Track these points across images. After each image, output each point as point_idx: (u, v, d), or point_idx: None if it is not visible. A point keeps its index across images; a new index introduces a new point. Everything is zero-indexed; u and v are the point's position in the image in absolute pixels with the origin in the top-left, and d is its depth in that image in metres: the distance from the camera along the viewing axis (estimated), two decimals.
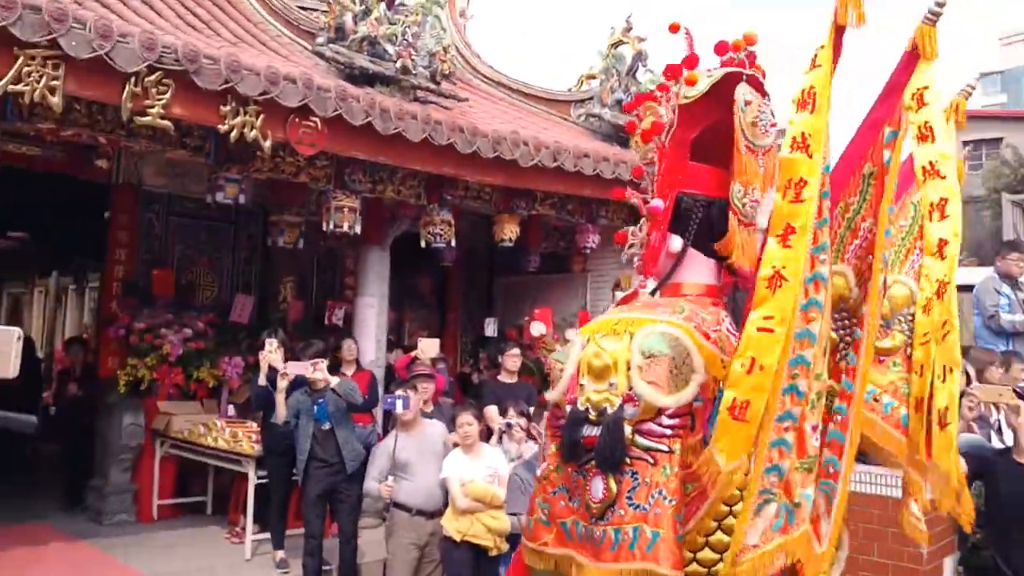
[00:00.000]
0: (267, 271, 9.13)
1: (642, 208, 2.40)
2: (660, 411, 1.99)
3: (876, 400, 2.30)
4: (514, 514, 4.79)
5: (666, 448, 1.97)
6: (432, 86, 7.35)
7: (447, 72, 7.54)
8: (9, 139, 6.46)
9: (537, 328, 8.65)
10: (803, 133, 1.81)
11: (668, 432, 1.98)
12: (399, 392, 5.34)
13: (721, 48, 2.24)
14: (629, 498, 1.95)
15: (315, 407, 5.88)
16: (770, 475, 1.82)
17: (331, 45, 7.04)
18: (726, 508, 2.07)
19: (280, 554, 6.57)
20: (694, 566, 2.03)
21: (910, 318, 2.30)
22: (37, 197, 9.23)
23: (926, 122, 1.95)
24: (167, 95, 5.33)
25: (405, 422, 5.36)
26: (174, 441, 7.59)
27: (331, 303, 9.11)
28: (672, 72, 2.29)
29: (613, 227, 9.11)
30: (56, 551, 6.75)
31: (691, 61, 2.27)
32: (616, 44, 9.10)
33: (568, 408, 2.14)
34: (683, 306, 2.17)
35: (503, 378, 7.51)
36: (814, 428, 1.87)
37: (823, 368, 1.89)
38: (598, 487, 2.00)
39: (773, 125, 2.21)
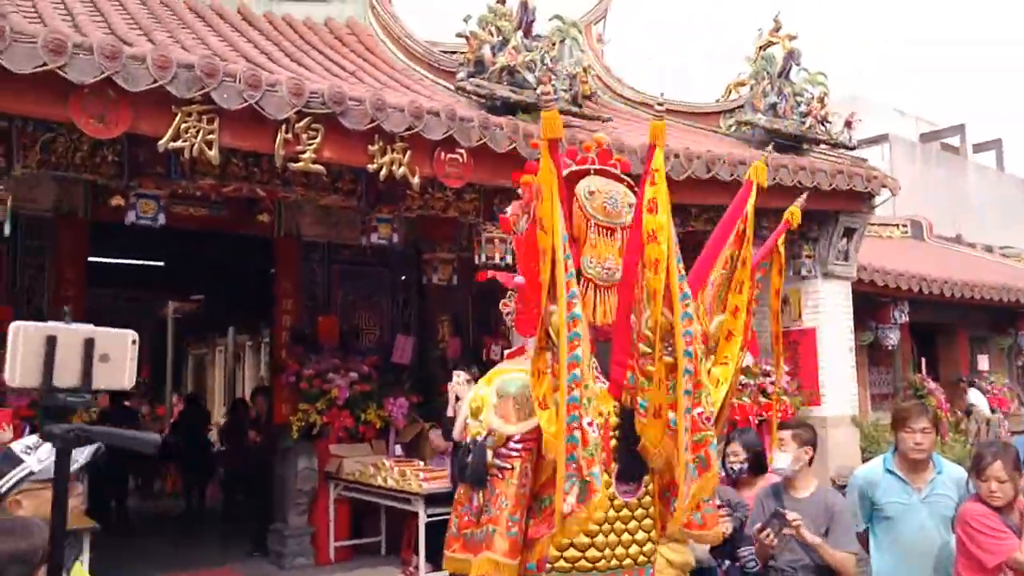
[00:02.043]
0: (424, 311, 9.20)
1: (508, 283, 2.97)
2: (508, 438, 2.58)
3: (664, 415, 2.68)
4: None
5: (510, 466, 2.57)
6: (574, 109, 7.20)
7: (588, 93, 7.39)
8: (177, 201, 6.82)
9: None
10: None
11: (513, 454, 2.58)
12: None
13: (571, 153, 2.77)
14: (486, 506, 2.58)
15: None
16: (571, 463, 2.26)
17: (471, 79, 7.04)
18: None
19: None
20: (561, 562, 2.62)
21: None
22: (208, 258, 9.79)
23: (654, 198, 2.37)
24: (317, 139, 5.44)
25: None
26: (346, 483, 7.69)
27: (487, 339, 9.04)
28: (515, 179, 2.72)
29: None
30: None
31: (529, 169, 2.62)
32: (765, 46, 8.65)
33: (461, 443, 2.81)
34: None
35: None
36: (589, 424, 2.29)
37: (589, 379, 2.35)
38: (475, 499, 2.61)
39: (631, 205, 2.64)
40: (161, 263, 10.74)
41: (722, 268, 2.90)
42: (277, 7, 8.46)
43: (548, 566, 2.63)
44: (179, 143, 4.93)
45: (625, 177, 2.84)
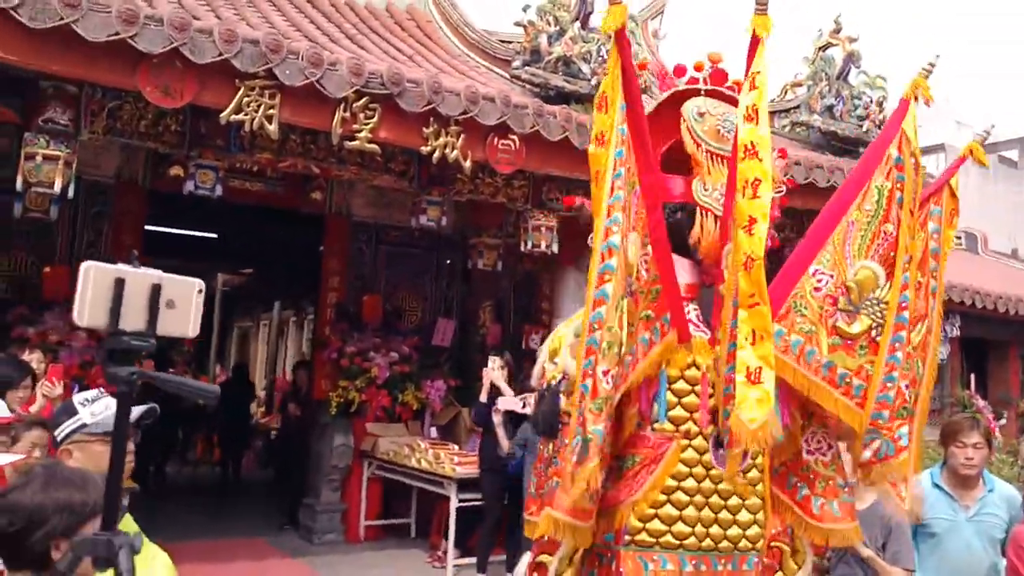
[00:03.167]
0: (467, 296, 9.26)
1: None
2: None
3: (848, 383, 2.40)
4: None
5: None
6: None
7: (644, 87, 7.33)
8: (234, 175, 6.97)
9: None
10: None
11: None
12: None
13: (679, 71, 2.58)
14: (554, 456, 2.33)
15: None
16: (578, 416, 2.09)
17: (527, 68, 7.07)
18: (674, 483, 2.32)
19: None
20: (643, 535, 2.29)
21: (876, 303, 2.43)
22: (260, 233, 9.96)
23: (754, 104, 2.14)
24: (374, 119, 5.51)
25: None
26: (380, 462, 7.78)
27: (528, 327, 9.07)
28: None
29: None
30: (270, 567, 7.07)
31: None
32: (824, 47, 8.53)
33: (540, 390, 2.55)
34: None
35: None
36: (604, 373, 2.09)
37: (614, 322, 2.11)
38: (546, 452, 2.40)
39: None
40: (214, 235, 10.95)
41: (867, 204, 2.48)
42: None
43: (627, 538, 2.31)
44: (240, 116, 5.04)
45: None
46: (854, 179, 2.54)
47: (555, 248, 6.85)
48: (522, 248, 6.86)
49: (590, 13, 7.13)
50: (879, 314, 2.40)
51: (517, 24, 7.28)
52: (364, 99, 5.43)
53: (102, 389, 2.53)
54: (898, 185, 2.45)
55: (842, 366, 2.36)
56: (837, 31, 8.48)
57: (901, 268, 2.42)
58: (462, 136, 5.80)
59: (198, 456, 13.16)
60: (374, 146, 5.62)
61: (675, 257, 2.43)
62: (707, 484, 2.32)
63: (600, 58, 7.07)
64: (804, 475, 2.45)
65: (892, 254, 2.44)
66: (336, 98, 5.30)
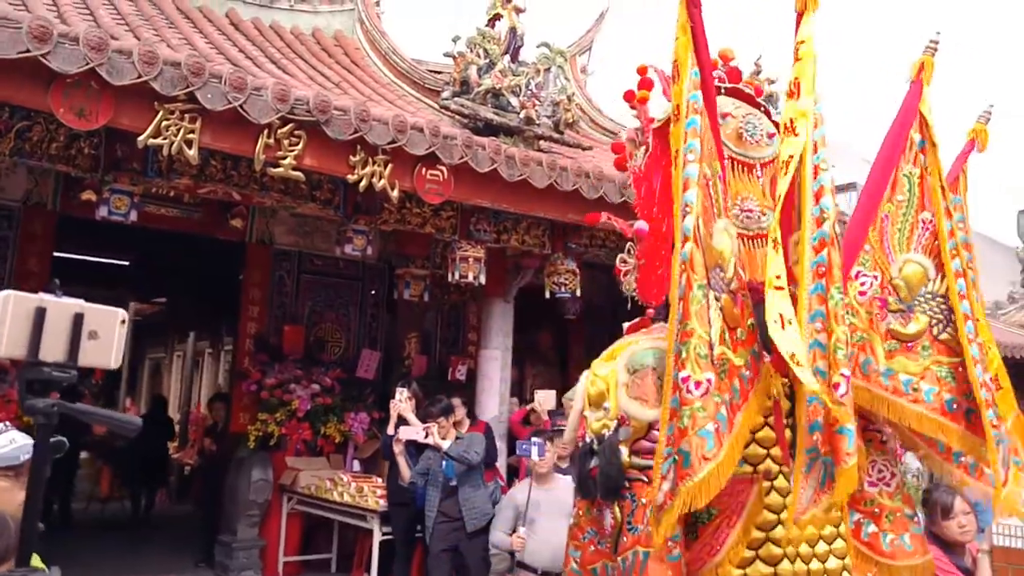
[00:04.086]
0: (392, 327, 9.15)
1: (627, 232, 2.39)
2: (651, 426, 1.94)
3: (916, 389, 2.17)
4: None
5: None
6: (555, 135, 7.27)
7: (571, 121, 7.45)
8: (150, 201, 6.75)
9: None
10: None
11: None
12: (535, 439, 5.09)
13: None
14: (629, 522, 1.92)
15: (443, 462, 5.79)
16: (669, 435, 1.79)
17: (456, 99, 7.09)
18: (761, 534, 1.96)
19: None
20: None
21: (930, 298, 2.25)
22: (176, 260, 9.66)
23: (796, 78, 1.99)
24: (299, 146, 5.41)
25: (539, 475, 5.07)
26: (301, 496, 7.56)
27: (455, 359, 9.01)
28: (627, 97, 2.34)
29: None
30: None
31: (644, 84, 2.34)
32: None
33: (580, 444, 2.11)
34: None
35: None
36: (684, 380, 1.79)
37: (691, 319, 1.82)
38: (607, 520, 1.98)
39: (772, 135, 2.24)
40: (127, 262, 10.57)
41: (898, 195, 2.31)
42: (265, 14, 8.45)
43: None
44: (159, 140, 4.88)
45: (762, 103, 2.35)
46: (879, 171, 2.36)
47: (483, 279, 6.83)
48: (449, 279, 6.82)
49: (520, 47, 7.21)
50: (937, 309, 2.19)
51: (447, 55, 7.30)
52: (289, 125, 5.32)
53: (7, 423, 2.40)
54: (927, 169, 2.30)
55: (904, 372, 2.13)
56: (757, 72, 8.75)
57: (949, 255, 2.22)
58: (389, 165, 5.74)
59: (107, 492, 12.55)
60: (298, 174, 5.51)
61: None
62: (795, 531, 1.99)
63: (529, 92, 7.15)
64: (868, 510, 2.17)
65: (936, 242, 2.24)
66: (260, 124, 5.18)
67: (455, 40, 7.20)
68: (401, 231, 6.79)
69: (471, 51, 7.07)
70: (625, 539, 1.92)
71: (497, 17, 7.48)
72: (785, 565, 1.95)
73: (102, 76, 4.59)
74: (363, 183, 5.67)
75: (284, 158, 5.38)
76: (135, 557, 8.50)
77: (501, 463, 7.09)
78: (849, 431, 1.80)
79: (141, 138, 4.88)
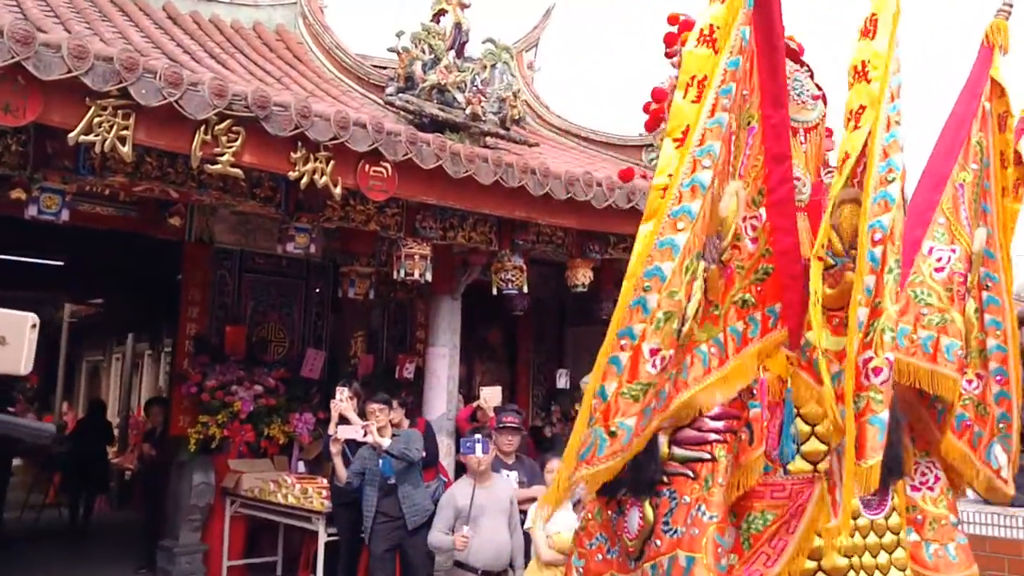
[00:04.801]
0: (338, 326, 9.03)
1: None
2: (700, 413, 1.70)
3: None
4: None
5: (708, 456, 1.67)
6: (502, 131, 7.23)
7: (517, 117, 7.43)
8: (83, 199, 6.53)
9: None
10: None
11: (711, 436, 1.68)
12: (478, 436, 5.06)
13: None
14: (666, 523, 1.65)
15: (380, 461, 5.73)
16: (596, 398, 1.57)
17: (400, 95, 7.01)
18: (823, 542, 1.73)
19: None
20: None
21: None
22: (112, 260, 9.38)
23: (873, 15, 1.73)
24: (237, 142, 5.27)
25: (478, 472, 5.04)
26: (244, 499, 7.42)
27: (402, 357, 8.93)
28: (667, 40, 2.14)
29: None
30: None
31: (685, 26, 2.10)
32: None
33: None
34: None
35: None
36: (653, 352, 1.57)
37: (680, 287, 1.60)
38: (634, 520, 1.71)
39: (816, 97, 2.03)
40: (60, 263, 10.23)
41: (970, 162, 2.12)
42: (204, 8, 8.25)
43: None
44: (91, 137, 4.71)
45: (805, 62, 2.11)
46: (949, 138, 2.16)
47: (429, 277, 6.76)
48: (395, 277, 6.74)
49: (465, 43, 7.16)
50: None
51: (391, 50, 7.21)
52: (227, 121, 5.19)
53: None
54: (998, 138, 2.15)
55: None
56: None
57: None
58: (332, 162, 5.64)
59: (48, 499, 12.16)
60: (237, 171, 5.38)
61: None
62: (858, 538, 1.77)
63: (475, 88, 7.10)
64: (910, 517, 1.97)
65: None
66: (196, 120, 5.04)
67: (399, 35, 7.11)
68: (345, 228, 6.69)
69: (416, 46, 6.99)
70: (659, 543, 1.66)
71: (442, 12, 7.41)
72: None
73: (29, 71, 4.41)
74: (305, 180, 5.56)
75: (222, 155, 5.25)
76: (73, 566, 8.28)
77: (450, 461, 7.04)
78: (881, 422, 1.59)
79: (72, 135, 4.70)
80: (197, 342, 7.83)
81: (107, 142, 4.77)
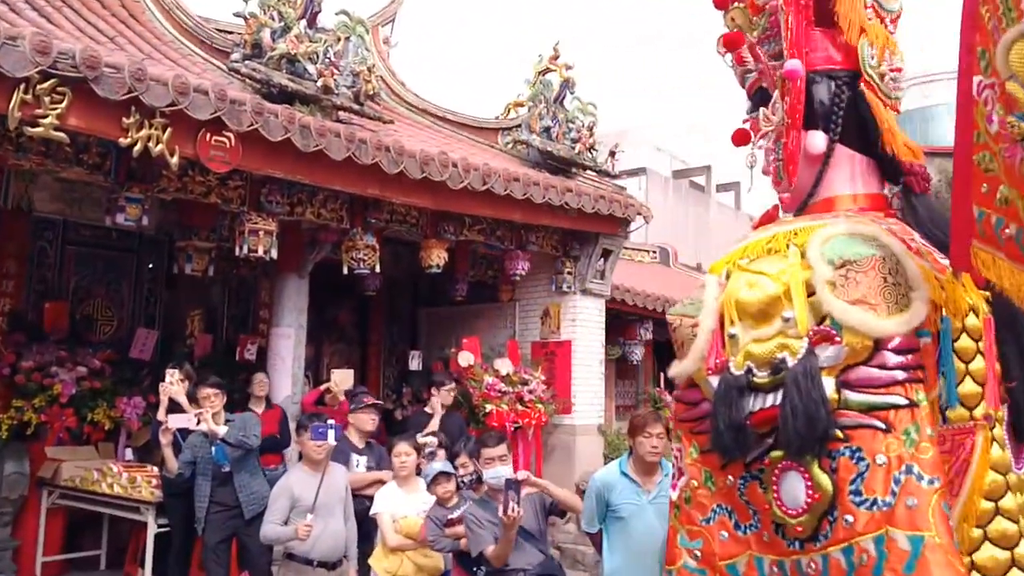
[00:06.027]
0: (172, 304, 8.51)
1: (769, 76, 1.72)
2: (879, 345, 1.34)
3: None
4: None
5: (904, 400, 1.31)
6: (355, 106, 6.99)
7: (371, 92, 7.20)
8: None
9: (465, 358, 8.32)
10: None
11: (900, 375, 1.31)
12: (331, 421, 4.87)
13: None
14: (855, 492, 1.26)
15: (213, 448, 5.45)
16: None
17: (247, 62, 6.61)
18: (989, 505, 1.40)
19: None
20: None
21: None
22: None
23: None
24: (63, 104, 4.83)
25: (314, 461, 4.84)
26: (63, 490, 6.86)
27: (243, 337, 8.53)
28: None
29: (543, 254, 8.89)
30: None
31: None
32: (543, 72, 8.95)
33: (713, 380, 1.47)
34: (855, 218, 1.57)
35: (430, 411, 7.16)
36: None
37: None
38: (795, 489, 1.33)
39: None
40: None
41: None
42: None
43: None
44: None
45: None
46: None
47: (274, 254, 6.46)
48: (238, 253, 6.39)
49: (317, 12, 6.84)
50: None
51: (237, 15, 6.79)
52: (51, 81, 4.73)
53: None
54: None
55: None
56: (556, 58, 8.93)
57: None
58: (169, 130, 5.27)
59: None
60: (62, 135, 4.93)
61: (854, 157, 1.71)
62: (1022, 497, 1.39)
63: (327, 60, 6.81)
64: None
65: None
66: (15, 77, 4.57)
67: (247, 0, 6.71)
68: (183, 200, 6.28)
69: (264, 13, 6.60)
70: (851, 519, 1.27)
71: None
72: (1022, 549, 1.37)
73: None
74: (138, 148, 5.17)
75: (45, 117, 4.80)
76: None
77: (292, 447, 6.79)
78: None
79: None
80: (12, 318, 7.15)
81: None
